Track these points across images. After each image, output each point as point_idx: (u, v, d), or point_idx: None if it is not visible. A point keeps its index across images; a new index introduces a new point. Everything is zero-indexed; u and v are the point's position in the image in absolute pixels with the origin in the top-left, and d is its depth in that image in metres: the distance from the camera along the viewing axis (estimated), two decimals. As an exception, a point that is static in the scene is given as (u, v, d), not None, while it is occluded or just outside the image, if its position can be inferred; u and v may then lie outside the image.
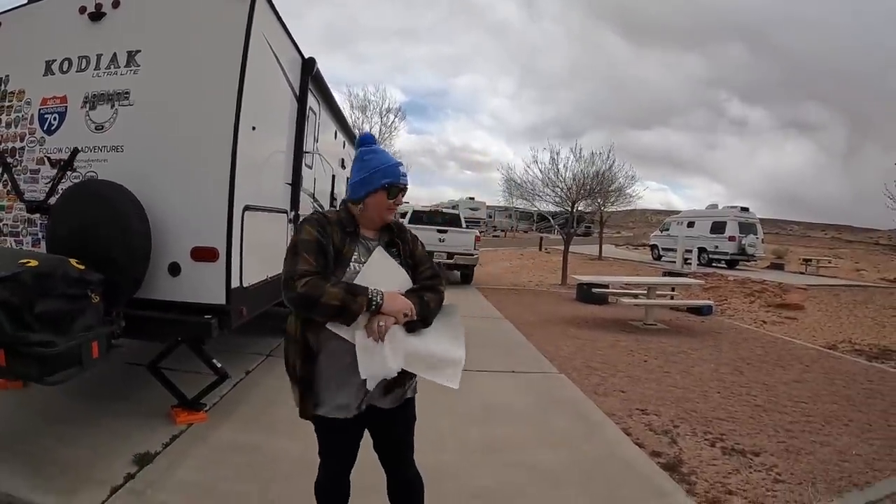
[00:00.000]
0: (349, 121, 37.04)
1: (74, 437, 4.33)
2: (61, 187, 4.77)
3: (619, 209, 27.45)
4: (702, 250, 25.27)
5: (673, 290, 14.05)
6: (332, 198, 9.08)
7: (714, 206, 28.12)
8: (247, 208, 4.94)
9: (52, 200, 4.72)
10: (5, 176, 5.07)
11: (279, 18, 5.58)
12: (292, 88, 6.36)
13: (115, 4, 4.87)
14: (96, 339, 3.79)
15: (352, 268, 2.44)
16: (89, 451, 4.07)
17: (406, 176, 2.58)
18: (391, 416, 2.61)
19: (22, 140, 5.07)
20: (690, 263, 22.16)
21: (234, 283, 4.75)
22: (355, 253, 2.50)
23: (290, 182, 6.55)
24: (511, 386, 6.44)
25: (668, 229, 29.55)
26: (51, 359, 3.39)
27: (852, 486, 4.20)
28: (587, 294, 13.97)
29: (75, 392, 5.15)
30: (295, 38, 6.27)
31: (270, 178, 5.88)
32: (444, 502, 3.57)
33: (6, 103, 5.15)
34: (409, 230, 2.75)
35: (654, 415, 5.59)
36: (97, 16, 4.90)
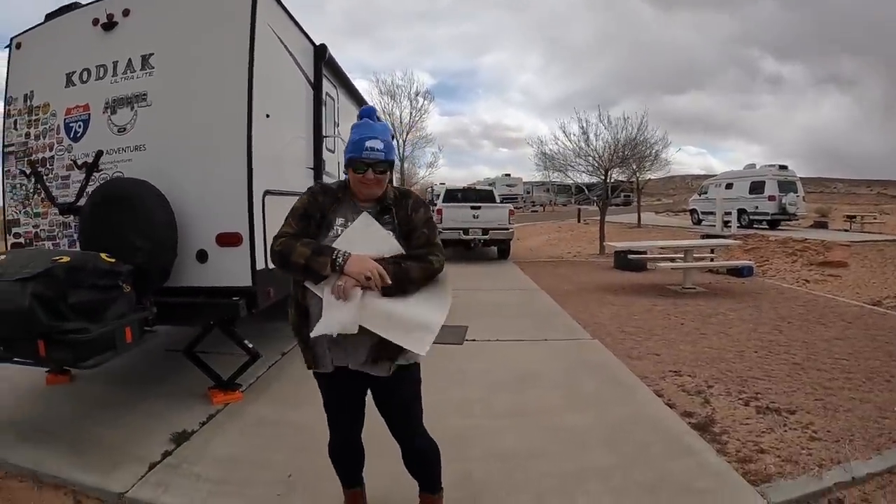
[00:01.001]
0: (379, 108, 36.88)
1: (116, 421, 4.54)
2: (90, 189, 4.97)
3: (655, 176, 26.84)
4: (742, 212, 24.49)
5: (712, 251, 13.84)
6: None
7: (752, 166, 27.06)
8: (267, 193, 5.07)
9: (83, 202, 4.92)
10: (38, 185, 5.30)
11: (284, 9, 5.68)
12: (305, 75, 6.44)
13: (126, 13, 5.05)
14: (129, 325, 4.03)
15: (335, 231, 2.55)
16: (130, 433, 4.29)
17: (376, 150, 2.52)
18: (387, 385, 2.64)
19: (51, 150, 5.34)
20: (730, 226, 21.70)
21: (259, 266, 4.90)
22: (341, 218, 2.58)
23: (312, 167, 6.63)
24: (543, 353, 6.46)
25: (706, 192, 28.72)
26: (85, 344, 3.64)
27: (892, 442, 4.01)
28: (624, 261, 13.84)
29: (118, 380, 5.46)
30: (304, 27, 6.35)
31: (291, 164, 5.99)
32: (467, 463, 3.66)
33: (33, 117, 5.44)
34: (417, 200, 2.72)
35: (687, 376, 5.55)
36: (109, 25, 5.10)
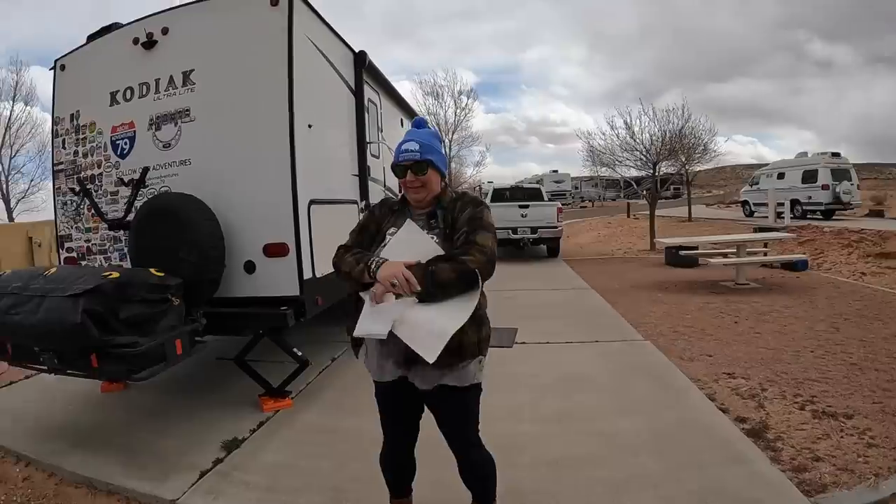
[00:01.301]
0: (423, 108, 37.04)
1: (169, 428, 4.68)
2: (137, 204, 5.10)
3: (705, 167, 26.30)
4: (795, 202, 23.85)
5: (765, 245, 13.52)
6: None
7: (804, 154, 26.32)
8: (312, 202, 5.13)
9: (131, 217, 5.07)
10: (88, 201, 5.46)
11: (321, 19, 5.72)
12: (346, 83, 6.49)
13: (165, 31, 5.19)
14: (179, 338, 4.14)
15: (386, 240, 2.58)
16: (182, 440, 4.42)
17: (409, 151, 2.56)
18: (435, 399, 2.64)
19: (99, 167, 5.52)
20: (783, 217, 21.06)
21: (307, 275, 4.99)
22: (393, 228, 2.61)
23: (357, 173, 6.68)
24: (594, 355, 6.37)
25: (757, 183, 27.95)
26: (136, 357, 3.75)
27: (957, 451, 3.82)
28: (676, 257, 13.55)
29: (171, 388, 5.62)
30: (343, 35, 6.39)
31: (335, 172, 6.05)
32: (517, 471, 3.63)
33: (80, 136, 5.64)
34: (468, 201, 2.65)
35: (741, 378, 5.40)
36: (150, 44, 5.24)
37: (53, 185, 5.94)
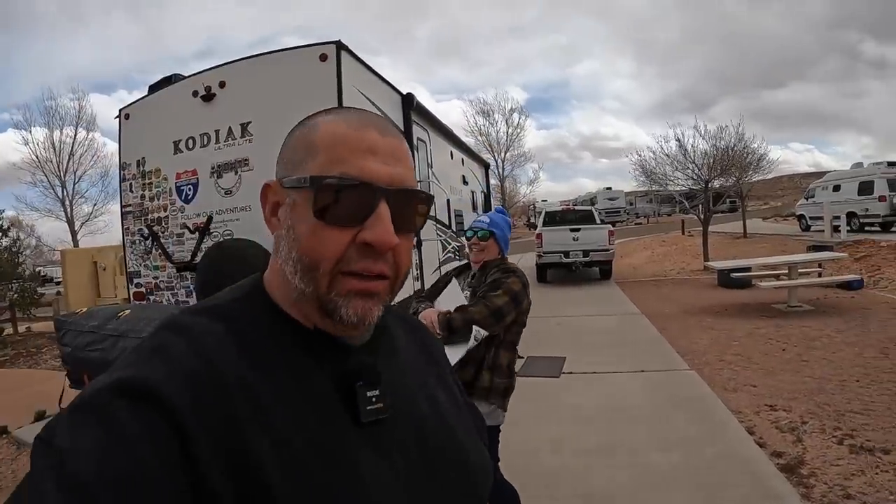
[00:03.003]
0: (475, 128, 37.20)
1: None
2: (203, 246, 5.48)
3: (761, 178, 25.51)
4: (851, 215, 22.68)
5: (819, 266, 13.31)
6: (449, 218, 9.32)
7: (859, 164, 25.47)
8: None
9: (197, 259, 5.44)
10: (156, 244, 5.87)
11: (368, 68, 6.03)
12: (394, 125, 6.77)
13: (222, 84, 5.53)
14: None
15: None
16: None
17: (480, 222, 3.34)
18: None
19: (165, 210, 5.90)
20: (840, 231, 20.43)
21: None
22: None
23: (408, 211, 6.99)
24: (639, 386, 6.51)
25: (813, 196, 26.97)
26: None
27: None
28: (728, 279, 13.43)
29: None
30: (390, 80, 6.72)
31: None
32: (553, 502, 3.85)
33: (147, 181, 6.05)
34: (497, 269, 3.23)
35: (783, 410, 5.46)
36: (208, 97, 5.58)
37: (122, 225, 6.39)
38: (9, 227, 17.55)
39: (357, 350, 0.88)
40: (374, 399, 0.83)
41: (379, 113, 6.09)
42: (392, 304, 0.91)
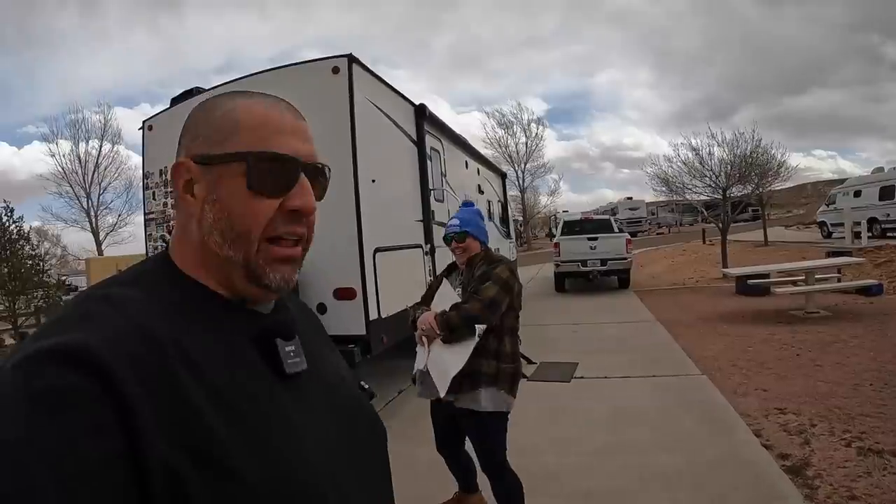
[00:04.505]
0: (494, 139, 37.23)
1: None
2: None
3: (782, 186, 25.16)
4: (873, 221, 22.44)
5: (838, 271, 13.23)
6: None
7: (880, 169, 24.95)
8: (377, 250, 5.66)
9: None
10: None
11: (380, 80, 6.21)
12: (408, 136, 6.96)
13: None
14: None
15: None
16: None
17: (452, 226, 3.46)
18: (463, 420, 3.32)
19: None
20: (861, 237, 20.12)
21: (373, 315, 5.55)
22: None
23: (421, 219, 7.12)
24: (649, 390, 6.55)
25: (834, 203, 26.64)
26: None
27: None
28: (745, 286, 13.46)
29: None
30: (401, 91, 6.88)
31: (400, 219, 6.52)
32: (552, 500, 3.94)
33: (169, 189, 6.22)
34: (484, 261, 3.41)
35: (792, 414, 5.46)
36: None
37: (145, 232, 6.60)
38: (28, 234, 17.87)
39: (266, 315, 0.96)
40: (291, 353, 0.91)
41: (391, 124, 6.29)
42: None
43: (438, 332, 3.09)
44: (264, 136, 0.89)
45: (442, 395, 3.10)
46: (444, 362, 3.10)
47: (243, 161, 0.86)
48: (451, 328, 3.08)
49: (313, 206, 0.92)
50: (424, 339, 3.21)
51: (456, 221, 3.44)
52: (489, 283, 3.18)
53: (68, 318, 0.75)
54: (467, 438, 3.44)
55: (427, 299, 3.52)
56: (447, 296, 3.35)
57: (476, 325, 3.04)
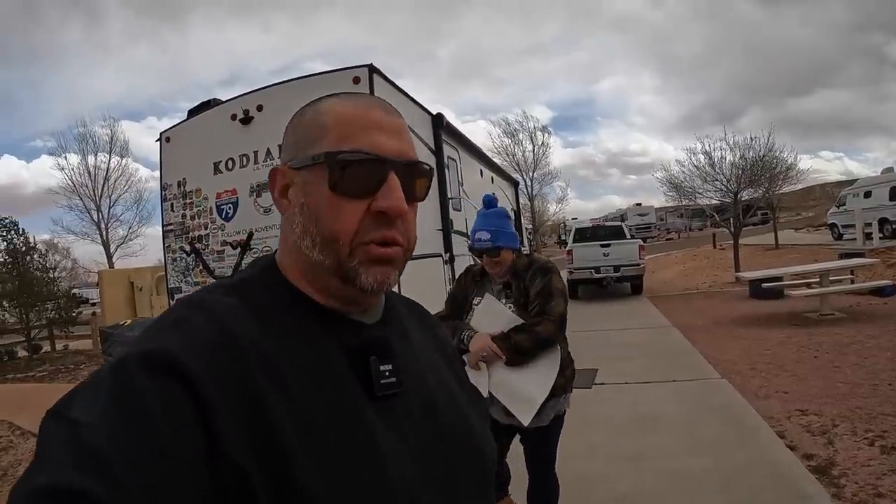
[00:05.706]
0: (500, 148, 37.25)
1: None
2: (244, 262, 5.71)
3: (791, 188, 25.03)
4: (883, 221, 22.25)
5: (852, 272, 13.19)
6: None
7: (890, 169, 25.01)
8: None
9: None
10: (198, 260, 6.12)
11: (400, 90, 6.24)
12: (426, 144, 6.99)
13: (259, 108, 5.78)
14: None
15: (472, 310, 3.11)
16: None
17: (482, 240, 3.02)
18: (524, 433, 3.12)
19: (206, 228, 6.17)
20: (872, 238, 20.08)
21: None
22: (478, 297, 3.13)
23: (440, 228, 7.17)
24: (670, 395, 6.58)
25: (844, 204, 26.49)
26: None
27: None
28: (759, 290, 13.41)
29: None
30: (419, 101, 6.94)
31: (420, 229, 6.48)
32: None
33: (188, 200, 6.33)
34: (536, 270, 3.07)
35: (814, 415, 5.48)
36: (246, 120, 5.84)
37: (164, 243, 6.67)
38: (35, 245, 18.02)
39: (369, 327, 0.92)
40: (386, 373, 0.86)
41: (412, 133, 6.43)
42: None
43: (503, 358, 2.84)
44: (348, 135, 0.86)
45: (526, 423, 2.87)
46: (514, 385, 2.89)
47: (325, 163, 0.85)
48: (523, 353, 2.85)
49: (403, 207, 0.86)
50: (483, 364, 2.91)
51: (486, 235, 3.06)
52: (556, 300, 2.95)
53: (163, 323, 0.78)
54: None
55: (455, 312, 3.22)
56: (495, 312, 3.02)
57: (556, 349, 2.91)
